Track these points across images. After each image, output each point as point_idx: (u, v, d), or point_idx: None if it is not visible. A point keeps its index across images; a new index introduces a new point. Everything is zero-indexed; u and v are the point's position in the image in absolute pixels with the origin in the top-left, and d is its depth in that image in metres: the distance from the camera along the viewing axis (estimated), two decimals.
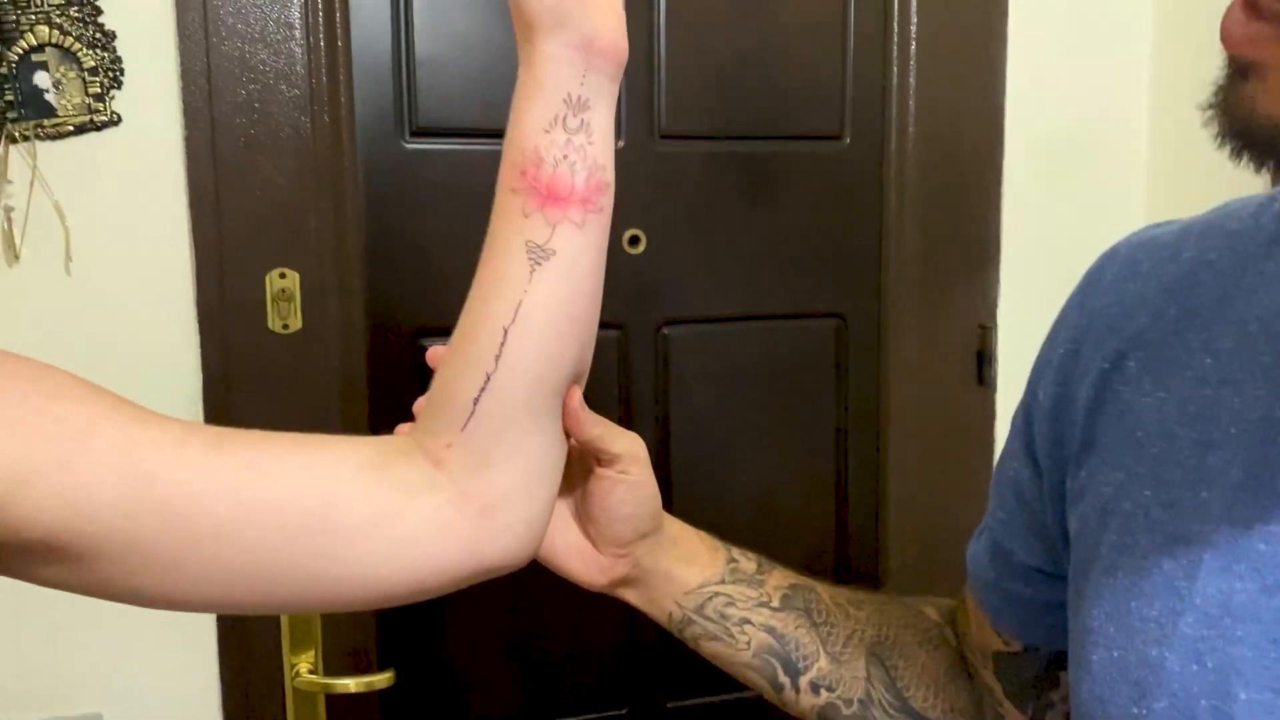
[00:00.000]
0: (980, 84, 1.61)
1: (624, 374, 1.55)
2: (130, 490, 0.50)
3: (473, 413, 0.57)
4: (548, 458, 0.60)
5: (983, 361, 1.69)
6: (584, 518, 0.74)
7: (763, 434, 1.61)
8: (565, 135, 0.56)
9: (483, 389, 0.57)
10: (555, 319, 0.57)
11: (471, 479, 0.57)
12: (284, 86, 1.34)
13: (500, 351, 0.57)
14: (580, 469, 0.73)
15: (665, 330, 1.55)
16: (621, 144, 1.49)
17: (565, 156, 0.56)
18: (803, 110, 1.57)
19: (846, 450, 1.66)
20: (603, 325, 1.54)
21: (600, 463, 0.71)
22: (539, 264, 0.56)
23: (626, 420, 1.55)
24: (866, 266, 1.63)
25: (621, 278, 1.51)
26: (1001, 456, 0.74)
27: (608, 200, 0.58)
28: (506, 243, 0.58)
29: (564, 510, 0.74)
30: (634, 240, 1.51)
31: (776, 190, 1.57)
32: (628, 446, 0.71)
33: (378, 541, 0.55)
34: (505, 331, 0.57)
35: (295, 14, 1.33)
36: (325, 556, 0.55)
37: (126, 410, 0.53)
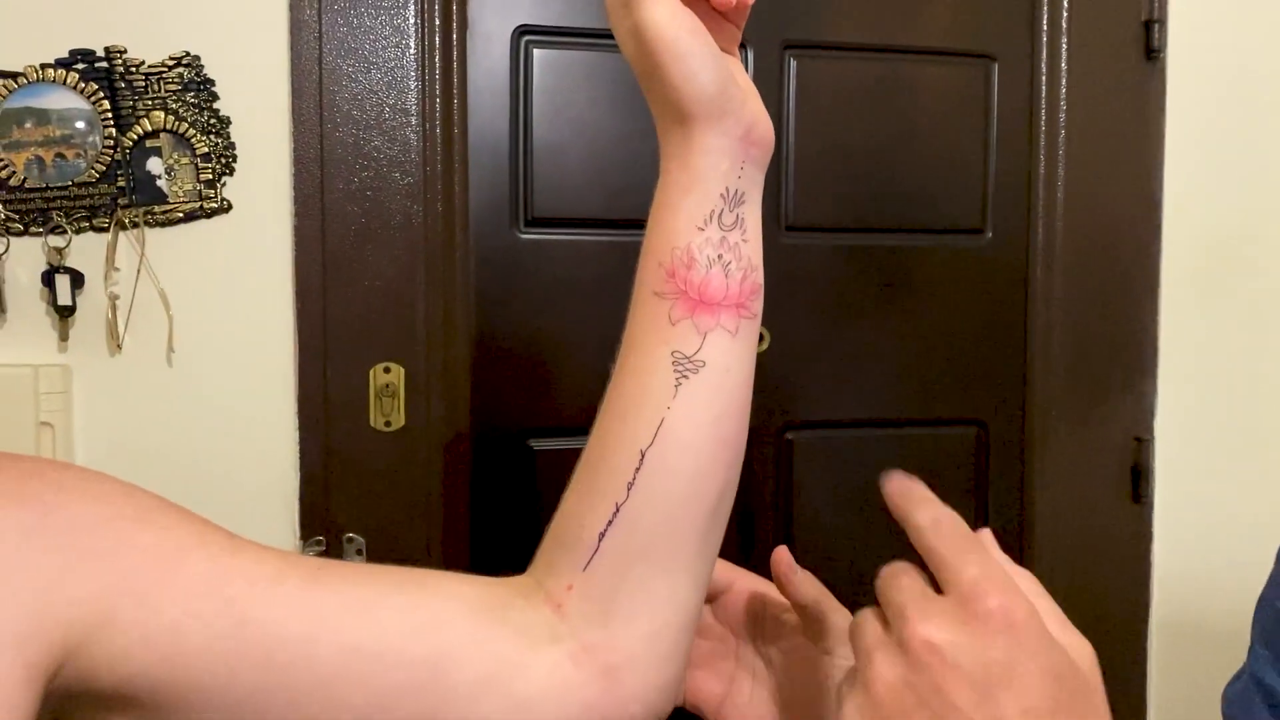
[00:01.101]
0: (1136, 176, 1.49)
1: (743, 480, 1.43)
2: (220, 631, 0.44)
3: (597, 550, 0.49)
4: (684, 610, 0.51)
5: (1138, 477, 1.53)
6: (778, 699, 0.62)
7: (895, 552, 1.47)
8: (720, 233, 0.49)
9: (610, 522, 0.49)
10: (702, 440, 0.50)
11: (592, 629, 0.49)
12: (397, 174, 1.29)
13: (634, 479, 0.49)
14: (787, 641, 0.61)
15: (789, 434, 1.44)
16: None
17: (720, 256, 0.49)
18: (941, 201, 1.46)
19: None
20: None
21: (808, 634, 0.60)
22: (686, 377, 0.49)
23: (743, 533, 1.43)
24: (1010, 370, 1.50)
25: None
26: (1265, 590, 0.67)
27: (759, 304, 0.51)
28: (649, 353, 0.50)
29: (759, 689, 0.62)
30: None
31: (912, 286, 1.46)
32: (843, 622, 0.60)
33: (493, 700, 0.48)
34: (642, 455, 0.49)
35: (412, 100, 1.28)
36: (433, 716, 0.47)
37: (218, 538, 0.47)
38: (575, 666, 0.49)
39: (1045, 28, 1.46)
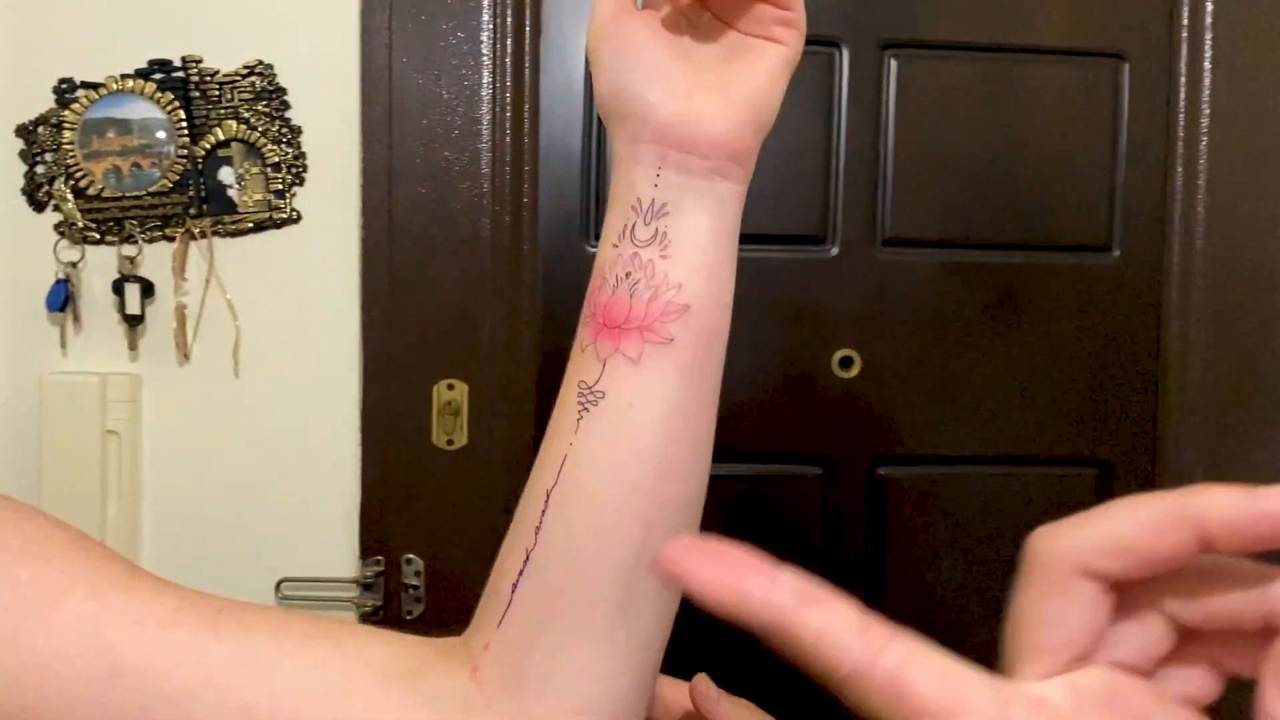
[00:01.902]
0: None
1: (828, 521, 1.32)
2: (92, 680, 0.40)
3: (510, 602, 0.45)
4: (612, 688, 0.44)
5: None
6: None
7: (998, 603, 1.33)
8: (633, 248, 0.45)
9: (520, 571, 0.45)
10: (601, 483, 0.44)
11: (505, 699, 0.44)
12: (466, 185, 1.24)
13: (541, 522, 0.45)
14: None
15: (881, 469, 1.32)
16: (835, 251, 1.30)
17: (628, 275, 0.45)
18: (1061, 215, 1.32)
19: None
20: (805, 460, 1.31)
21: None
22: (587, 409, 0.45)
23: (827, 578, 1.31)
24: (1139, 406, 1.33)
25: (829, 405, 1.30)
26: None
27: (686, 330, 0.44)
28: (566, 385, 0.47)
29: None
30: (846, 362, 1.30)
31: (1027, 307, 1.32)
32: None
33: None
34: (547, 496, 0.45)
35: (484, 111, 1.24)
36: None
37: (111, 574, 0.43)
38: None
39: (1185, 19, 1.30)
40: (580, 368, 0.45)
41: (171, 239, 1.23)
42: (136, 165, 1.22)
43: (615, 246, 0.45)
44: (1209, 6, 1.29)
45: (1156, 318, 1.32)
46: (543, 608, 0.44)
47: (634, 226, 0.45)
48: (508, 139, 1.25)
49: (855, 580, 1.31)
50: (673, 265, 0.44)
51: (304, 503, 1.25)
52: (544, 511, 0.45)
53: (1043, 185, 1.31)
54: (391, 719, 0.43)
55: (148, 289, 1.22)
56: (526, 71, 1.26)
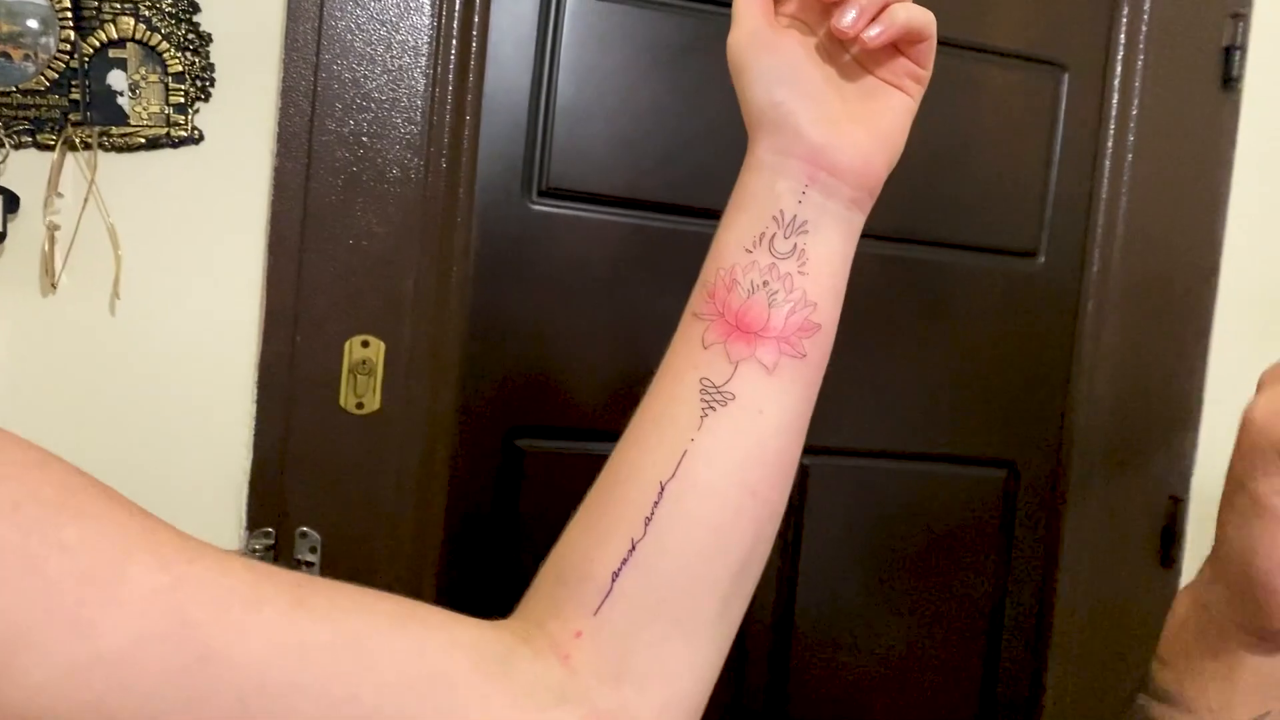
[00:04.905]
0: (1199, 211, 1.37)
1: None
2: (179, 664, 0.34)
3: (610, 591, 0.44)
4: (701, 682, 0.46)
5: (1170, 539, 1.41)
6: None
7: (905, 595, 1.33)
8: (771, 259, 0.46)
9: (625, 561, 0.44)
10: (725, 484, 0.45)
11: (604, 691, 0.43)
12: (399, 120, 1.12)
13: (653, 513, 0.44)
14: None
15: (806, 460, 1.29)
16: None
17: (766, 283, 0.46)
18: (994, 217, 1.32)
19: (1002, 626, 1.37)
20: None
21: None
22: (713, 409, 0.45)
23: None
24: (1048, 410, 1.36)
25: None
26: None
27: (816, 349, 0.47)
28: (678, 378, 0.47)
29: None
30: None
31: (953, 307, 1.32)
32: None
33: None
34: (662, 487, 0.45)
35: (424, 38, 1.12)
36: None
37: (168, 537, 0.37)
38: None
39: (1123, 39, 1.33)
40: (703, 364, 0.46)
41: (45, 147, 1.04)
42: (5, 55, 1.03)
43: (749, 252, 0.46)
44: (1144, 25, 1.33)
45: (1074, 327, 1.35)
46: (652, 601, 0.44)
47: (774, 237, 0.46)
48: (450, 73, 1.13)
49: (770, 566, 1.28)
50: (810, 284, 0.46)
51: (185, 463, 1.10)
52: (657, 503, 0.44)
53: (980, 187, 1.31)
54: (494, 709, 0.41)
55: (11, 202, 1.03)
56: (477, 2, 1.14)
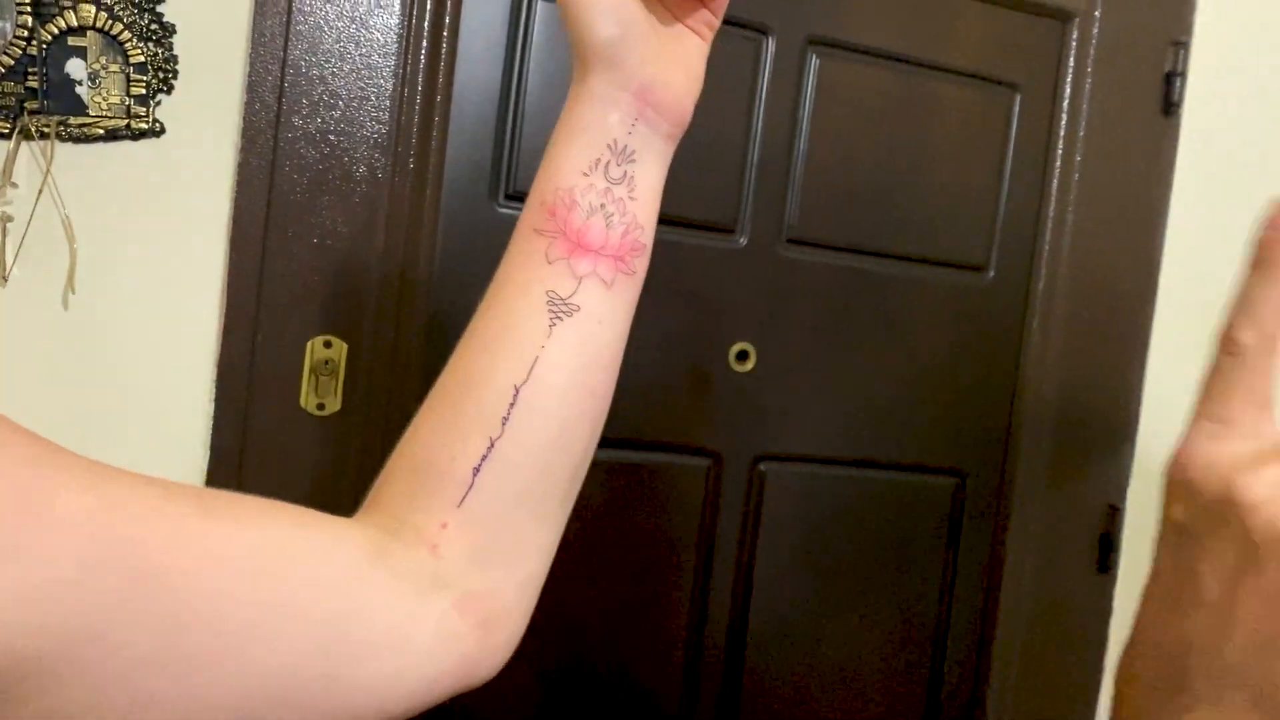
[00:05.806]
0: (1139, 232, 1.42)
1: (709, 510, 1.29)
2: (116, 586, 0.35)
3: (472, 485, 0.47)
4: (547, 562, 0.51)
5: (1108, 547, 1.46)
6: None
7: (856, 597, 1.35)
8: (605, 183, 0.49)
9: (484, 457, 0.48)
10: (574, 386, 0.49)
11: (473, 575, 0.48)
12: (367, 119, 1.11)
13: (509, 414, 0.48)
14: None
15: (762, 465, 1.31)
16: (743, 242, 1.27)
17: (602, 206, 0.49)
18: (947, 232, 1.35)
19: (948, 627, 1.41)
20: (695, 452, 1.28)
21: None
22: (560, 319, 0.49)
23: (705, 563, 1.29)
24: (994, 421, 1.40)
25: (723, 398, 1.27)
26: None
27: (642, 265, 0.51)
28: (524, 289, 0.49)
29: None
30: (742, 355, 1.27)
31: (907, 318, 1.35)
32: None
33: (392, 659, 0.44)
34: (516, 391, 0.48)
35: (394, 37, 1.11)
36: (329, 677, 0.42)
37: (68, 457, 0.37)
38: (460, 616, 0.47)
39: (1072, 63, 1.37)
40: (549, 278, 0.48)
41: (0, 135, 1.01)
42: None
43: (586, 175, 0.49)
44: (1091, 50, 1.37)
45: (1020, 339, 1.39)
46: (510, 492, 0.48)
47: (608, 164, 0.49)
48: (420, 73, 1.12)
49: (728, 565, 1.30)
50: (639, 208, 0.50)
51: (140, 462, 1.06)
52: (512, 405, 0.47)
53: (935, 201, 1.34)
54: (386, 601, 0.44)
55: None
56: (448, 3, 1.14)
